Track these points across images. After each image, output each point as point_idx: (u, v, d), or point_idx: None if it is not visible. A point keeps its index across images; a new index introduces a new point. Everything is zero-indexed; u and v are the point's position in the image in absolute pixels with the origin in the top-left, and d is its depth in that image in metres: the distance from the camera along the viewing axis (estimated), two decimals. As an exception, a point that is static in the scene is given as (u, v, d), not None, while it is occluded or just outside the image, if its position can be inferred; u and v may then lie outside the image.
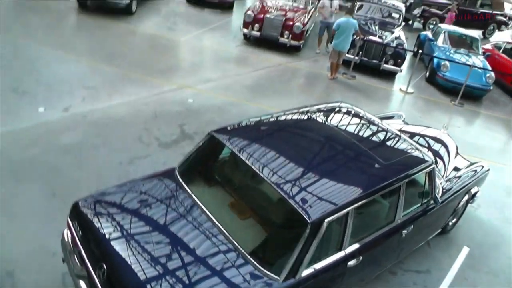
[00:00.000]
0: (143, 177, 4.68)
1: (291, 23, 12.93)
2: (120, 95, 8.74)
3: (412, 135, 6.87)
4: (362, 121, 5.63)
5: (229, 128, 4.83)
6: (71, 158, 6.55)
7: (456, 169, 6.48)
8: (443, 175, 6.09)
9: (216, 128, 4.77)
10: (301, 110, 5.49)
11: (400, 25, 14.34)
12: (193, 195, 4.33)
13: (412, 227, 4.96)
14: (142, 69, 10.16)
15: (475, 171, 6.54)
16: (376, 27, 13.50)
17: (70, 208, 4.22)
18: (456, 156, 6.91)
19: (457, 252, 6.28)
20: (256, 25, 12.96)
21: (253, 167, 4.22)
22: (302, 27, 12.85)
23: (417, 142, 6.51)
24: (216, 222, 4.05)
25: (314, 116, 5.43)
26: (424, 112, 11.11)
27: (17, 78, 8.62)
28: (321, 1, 13.78)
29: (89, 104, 8.18)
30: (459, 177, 6.23)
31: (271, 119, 5.20)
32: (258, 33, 13.07)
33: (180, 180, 4.52)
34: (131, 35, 12.54)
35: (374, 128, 5.55)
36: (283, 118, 5.28)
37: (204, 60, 11.84)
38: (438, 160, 6.44)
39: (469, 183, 6.23)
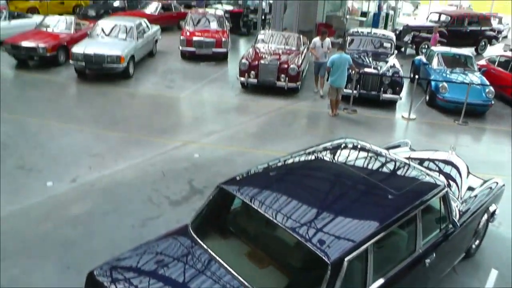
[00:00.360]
0: (157, 238, 4.65)
1: (286, 66, 13.15)
2: (125, 159, 8.81)
3: (421, 161, 6.86)
4: (369, 154, 5.66)
5: (237, 178, 4.84)
6: (82, 228, 6.55)
7: (471, 188, 6.43)
8: (458, 197, 6.03)
9: (224, 180, 4.78)
10: (307, 151, 5.53)
11: (393, 53, 14.55)
12: (209, 250, 4.30)
13: (434, 254, 4.87)
14: (145, 130, 10.29)
15: (490, 188, 6.48)
16: (370, 59, 13.69)
17: (85, 278, 4.18)
18: (468, 175, 6.86)
19: (485, 276, 6.11)
20: (252, 72, 13.19)
21: (266, 214, 4.21)
22: (297, 68, 13.07)
23: (427, 168, 6.50)
24: (236, 274, 4.00)
25: (321, 155, 5.47)
26: (430, 136, 11.11)
27: (23, 155, 8.74)
28: (312, 41, 14.00)
29: (96, 172, 8.24)
30: (475, 196, 6.17)
31: (279, 164, 5.22)
32: (255, 80, 13.28)
33: (195, 236, 4.50)
34: (131, 98, 12.79)
35: (382, 159, 5.56)
36: (290, 161, 5.30)
37: (206, 113, 12.00)
38: (451, 182, 6.39)
39: (486, 201, 6.16)
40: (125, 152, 9.14)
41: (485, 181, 6.72)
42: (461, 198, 6.06)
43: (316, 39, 13.71)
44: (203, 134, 10.28)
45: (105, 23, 15.54)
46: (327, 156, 5.50)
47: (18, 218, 6.70)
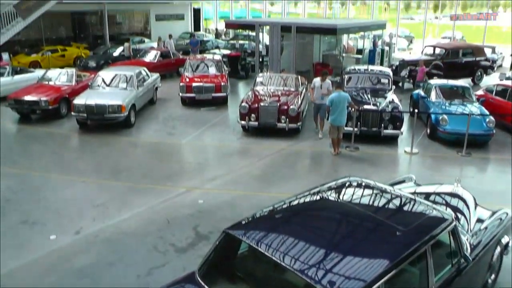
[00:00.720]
0: (164, 286, 4.58)
1: (286, 107, 13.23)
2: (129, 208, 8.76)
3: (427, 195, 6.79)
4: (374, 191, 5.63)
5: (243, 222, 4.79)
6: (88, 280, 6.44)
7: (480, 220, 6.34)
8: (468, 230, 5.94)
9: (230, 225, 4.74)
10: (311, 191, 5.51)
11: (391, 89, 14.65)
12: (217, 297, 4.23)
13: (449, 291, 4.77)
14: (148, 178, 10.27)
15: (500, 219, 6.39)
16: (369, 95, 13.78)
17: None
18: (476, 207, 6.78)
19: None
20: (253, 115, 13.26)
21: (273, 257, 4.14)
22: (297, 109, 13.16)
23: (433, 202, 6.44)
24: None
25: (325, 195, 5.44)
26: (434, 170, 11.07)
27: (26, 209, 8.69)
28: (313, 81, 13.97)
29: (100, 222, 8.18)
30: (485, 228, 6.08)
31: (284, 206, 5.18)
32: (256, 123, 13.34)
33: (202, 283, 4.42)
34: (133, 146, 12.84)
35: (387, 196, 5.52)
36: (295, 202, 5.27)
37: (208, 159, 12.01)
38: (459, 215, 6.32)
39: (497, 233, 6.06)
40: (128, 201, 9.10)
41: (494, 212, 6.64)
42: (471, 231, 5.97)
43: (316, 80, 13.71)
44: (206, 180, 10.25)
45: (105, 74, 15.80)
46: (332, 196, 5.47)
47: (22, 273, 6.61)
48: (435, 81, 15.74)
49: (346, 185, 5.78)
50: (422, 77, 18.05)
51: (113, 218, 8.36)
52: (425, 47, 24.92)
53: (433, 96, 14.38)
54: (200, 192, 9.58)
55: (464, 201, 6.88)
